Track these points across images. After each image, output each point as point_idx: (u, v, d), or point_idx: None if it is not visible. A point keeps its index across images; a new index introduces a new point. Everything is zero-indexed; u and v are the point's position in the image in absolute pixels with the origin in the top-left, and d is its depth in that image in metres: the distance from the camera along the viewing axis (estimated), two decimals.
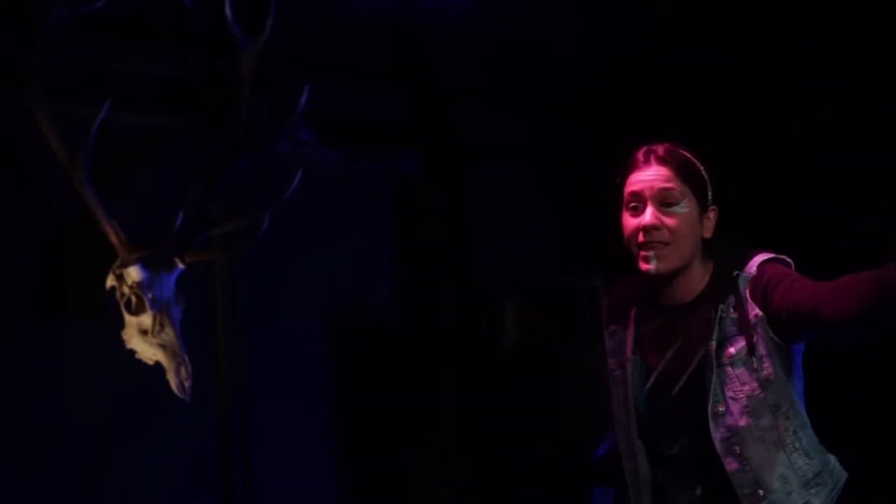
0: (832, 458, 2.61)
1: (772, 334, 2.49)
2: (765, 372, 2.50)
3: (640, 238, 2.54)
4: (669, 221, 2.53)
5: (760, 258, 2.55)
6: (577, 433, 4.26)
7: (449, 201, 4.48)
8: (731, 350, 2.51)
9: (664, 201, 2.54)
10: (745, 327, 2.50)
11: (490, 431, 4.39)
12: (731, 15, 4.87)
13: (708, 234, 2.59)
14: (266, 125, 3.63)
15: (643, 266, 2.55)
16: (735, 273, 2.53)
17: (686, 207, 2.54)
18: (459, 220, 4.53)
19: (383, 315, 4.31)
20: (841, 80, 4.72)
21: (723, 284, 2.55)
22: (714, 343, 2.51)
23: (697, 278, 2.59)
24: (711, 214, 2.59)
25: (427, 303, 4.38)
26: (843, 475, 2.61)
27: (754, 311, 2.49)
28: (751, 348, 2.49)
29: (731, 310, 2.52)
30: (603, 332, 2.77)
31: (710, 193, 2.59)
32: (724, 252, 2.60)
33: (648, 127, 2.76)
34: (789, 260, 2.57)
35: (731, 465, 2.51)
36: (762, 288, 2.48)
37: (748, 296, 2.50)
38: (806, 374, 2.62)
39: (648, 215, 2.53)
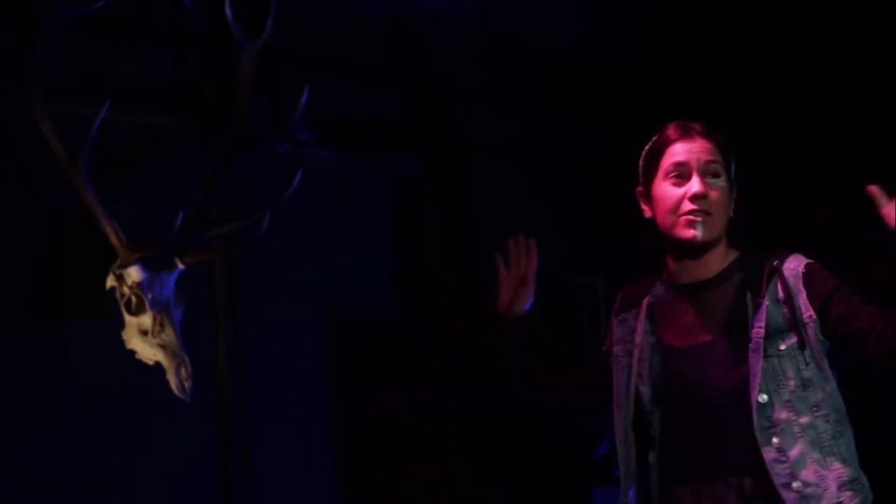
0: (863, 475, 2.55)
1: (821, 336, 2.49)
2: (809, 372, 2.49)
3: (687, 206, 2.54)
4: (713, 193, 2.56)
5: (800, 256, 2.55)
6: (577, 433, 4.25)
7: (449, 201, 4.48)
8: (783, 346, 2.49)
9: (709, 173, 2.57)
10: (796, 324, 2.49)
11: (490, 431, 4.39)
12: (729, 13, 4.87)
13: (732, 214, 2.61)
14: (266, 125, 3.63)
15: (687, 232, 2.55)
16: (775, 262, 2.53)
17: (724, 182, 2.58)
18: (459, 220, 4.52)
19: (383, 315, 4.31)
20: (840, 79, 4.72)
21: (757, 268, 2.54)
22: (763, 331, 2.49)
23: (721, 256, 2.60)
24: (735, 195, 2.62)
25: (427, 302, 4.38)
26: (871, 495, 2.54)
27: (809, 311, 2.49)
28: (801, 346, 2.49)
29: (781, 303, 2.51)
30: (612, 321, 2.77)
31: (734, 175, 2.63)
32: (746, 248, 2.62)
33: (648, 126, 2.76)
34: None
35: (768, 454, 2.46)
36: (823, 294, 2.49)
37: (805, 296, 2.49)
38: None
39: (697, 184, 2.54)
